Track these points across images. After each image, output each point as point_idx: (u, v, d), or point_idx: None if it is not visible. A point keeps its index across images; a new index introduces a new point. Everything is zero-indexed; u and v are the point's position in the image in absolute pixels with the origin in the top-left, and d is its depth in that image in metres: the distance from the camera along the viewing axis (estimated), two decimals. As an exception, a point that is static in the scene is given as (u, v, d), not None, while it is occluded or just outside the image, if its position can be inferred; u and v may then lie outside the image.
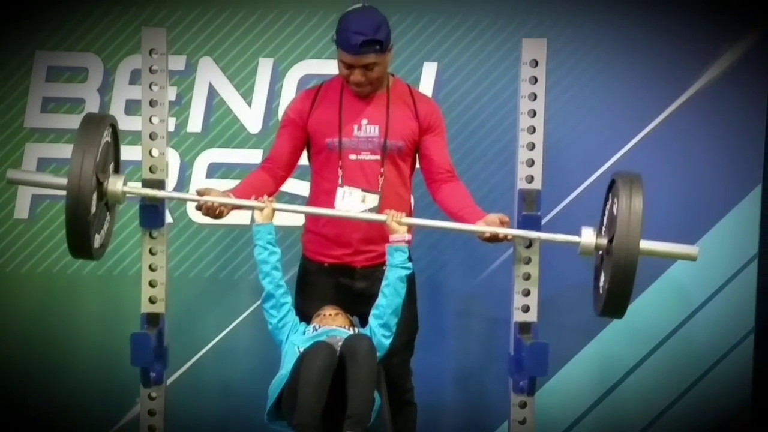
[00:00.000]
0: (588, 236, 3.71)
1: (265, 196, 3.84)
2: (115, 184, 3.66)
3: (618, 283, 3.54)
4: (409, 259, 3.86)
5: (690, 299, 4.89)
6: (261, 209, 3.80)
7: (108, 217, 3.77)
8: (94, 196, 3.53)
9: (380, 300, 3.79)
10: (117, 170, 3.81)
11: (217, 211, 3.82)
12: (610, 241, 3.61)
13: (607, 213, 3.76)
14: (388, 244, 3.80)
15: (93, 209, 3.51)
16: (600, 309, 3.70)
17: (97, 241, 3.64)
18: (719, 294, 4.88)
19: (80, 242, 3.53)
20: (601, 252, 3.73)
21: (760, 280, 4.86)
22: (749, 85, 4.76)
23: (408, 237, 3.82)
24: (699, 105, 4.77)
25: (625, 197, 3.54)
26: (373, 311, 3.80)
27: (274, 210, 3.81)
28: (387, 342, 3.78)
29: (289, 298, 3.83)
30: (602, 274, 3.72)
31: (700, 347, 4.90)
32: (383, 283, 3.79)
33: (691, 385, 4.92)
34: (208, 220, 3.89)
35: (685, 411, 4.92)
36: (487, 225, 3.80)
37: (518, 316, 3.97)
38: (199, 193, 3.87)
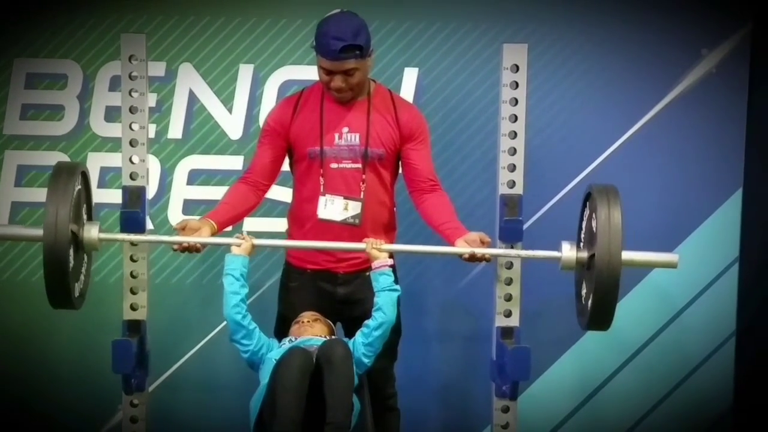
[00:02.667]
0: (568, 251, 3.70)
1: (245, 232, 3.82)
2: (90, 232, 3.63)
3: (602, 297, 3.52)
4: (395, 281, 3.83)
5: (671, 303, 4.90)
6: (239, 245, 3.77)
7: (85, 264, 3.74)
8: (71, 248, 3.49)
9: (371, 321, 3.76)
10: (90, 217, 3.77)
11: (193, 250, 3.80)
12: (591, 256, 3.59)
13: (585, 225, 3.73)
14: (371, 272, 3.79)
15: (71, 262, 3.50)
16: (585, 323, 3.68)
17: (77, 289, 3.62)
18: (700, 298, 4.90)
19: (60, 294, 3.50)
20: (582, 265, 3.70)
21: (741, 283, 4.88)
22: (729, 90, 4.77)
23: (390, 261, 3.80)
24: (679, 109, 4.78)
25: (603, 210, 3.52)
26: (362, 329, 3.77)
27: (253, 246, 3.79)
28: (367, 362, 3.75)
29: (255, 324, 3.76)
30: (584, 287, 3.70)
31: (682, 351, 4.92)
32: (374, 306, 3.76)
33: (672, 388, 4.94)
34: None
35: (666, 415, 4.94)
36: (468, 243, 3.80)
37: (500, 321, 3.97)
38: (178, 227, 3.85)
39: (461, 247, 3.80)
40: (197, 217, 3.99)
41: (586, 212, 3.73)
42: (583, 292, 3.70)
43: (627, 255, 3.54)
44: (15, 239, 3.83)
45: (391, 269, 3.79)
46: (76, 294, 3.61)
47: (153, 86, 4.62)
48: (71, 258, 3.49)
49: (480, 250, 3.77)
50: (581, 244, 3.75)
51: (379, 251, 3.77)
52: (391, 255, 3.84)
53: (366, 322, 3.77)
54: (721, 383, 4.93)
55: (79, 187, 3.58)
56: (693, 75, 4.79)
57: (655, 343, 4.91)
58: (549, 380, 4.89)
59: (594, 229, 3.56)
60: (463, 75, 4.74)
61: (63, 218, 3.43)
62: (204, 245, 3.83)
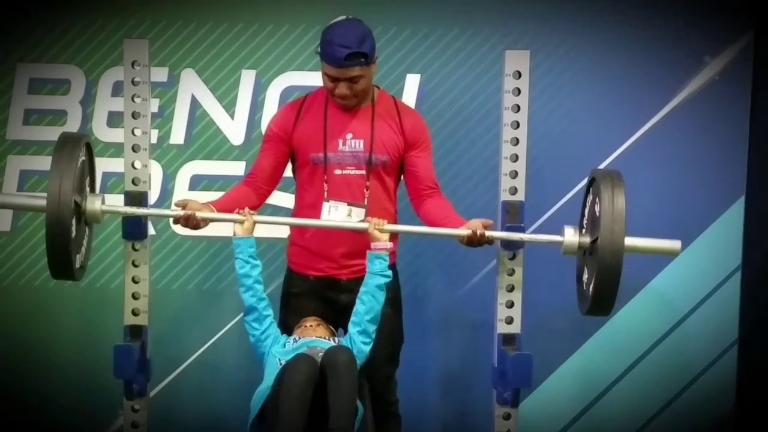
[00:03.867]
0: (570, 235, 3.72)
1: (246, 209, 3.82)
2: (94, 204, 3.66)
3: (604, 281, 3.53)
4: (391, 267, 3.84)
5: (674, 310, 4.89)
6: (241, 222, 3.79)
7: (87, 236, 3.76)
8: (74, 219, 3.52)
9: (358, 307, 3.79)
10: (93, 189, 3.80)
11: (194, 222, 3.80)
12: (594, 240, 3.60)
13: (588, 211, 3.75)
14: (369, 251, 3.79)
15: (73, 231, 3.52)
16: (586, 308, 3.69)
17: (78, 261, 3.64)
18: (703, 305, 4.89)
19: (62, 264, 3.53)
20: (584, 250, 3.72)
21: (743, 291, 4.87)
22: (732, 97, 4.77)
23: (390, 245, 3.81)
24: (682, 116, 4.78)
25: (607, 195, 3.53)
26: (352, 319, 3.80)
27: (254, 223, 3.80)
28: (367, 349, 3.78)
29: (272, 311, 3.82)
30: (585, 273, 3.71)
31: (684, 358, 4.91)
32: (361, 289, 3.79)
33: (675, 395, 4.93)
34: (191, 231, 3.88)
35: (669, 421, 4.93)
36: (469, 228, 3.79)
37: (502, 328, 3.97)
38: (178, 204, 3.86)
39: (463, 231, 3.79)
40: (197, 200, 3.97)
41: (590, 198, 3.73)
42: (585, 277, 3.71)
43: (630, 241, 3.56)
44: (18, 208, 3.83)
45: (388, 254, 3.80)
46: (77, 265, 3.63)
47: (155, 92, 4.64)
48: (73, 228, 3.51)
49: (482, 230, 3.76)
50: (584, 229, 3.75)
51: (381, 231, 3.78)
52: (395, 242, 3.86)
53: (355, 309, 3.80)
54: (723, 391, 4.92)
55: (83, 158, 3.60)
56: (696, 82, 4.78)
57: (657, 351, 4.90)
58: (550, 387, 4.89)
59: (597, 213, 3.57)
60: (465, 81, 4.74)
61: (66, 188, 3.45)
62: (206, 221, 3.82)
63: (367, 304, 3.77)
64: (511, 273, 3.95)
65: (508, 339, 3.97)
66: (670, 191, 4.82)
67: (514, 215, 3.90)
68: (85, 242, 3.73)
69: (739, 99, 4.78)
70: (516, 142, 3.90)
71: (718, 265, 4.88)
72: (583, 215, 3.79)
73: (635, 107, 4.78)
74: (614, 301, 3.58)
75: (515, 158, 3.90)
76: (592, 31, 4.75)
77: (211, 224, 3.86)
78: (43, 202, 3.48)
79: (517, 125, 3.90)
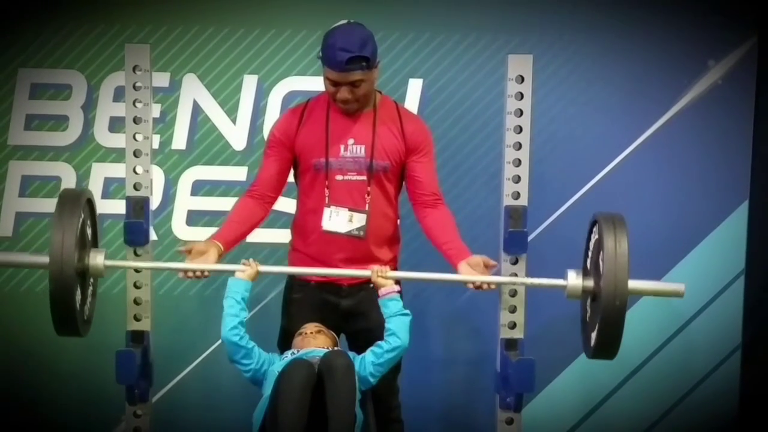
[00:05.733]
0: (574, 279, 3.65)
1: (251, 260, 3.80)
2: (96, 259, 3.64)
3: (608, 329, 3.47)
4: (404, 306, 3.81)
5: (676, 316, 4.88)
6: (244, 271, 3.77)
7: (91, 290, 3.75)
8: (77, 276, 3.50)
9: (384, 344, 3.74)
10: (96, 244, 3.78)
11: (198, 274, 3.79)
12: (597, 283, 3.55)
13: (591, 253, 3.68)
14: (379, 299, 3.78)
15: (78, 289, 3.52)
16: (591, 353, 3.64)
17: (85, 313, 3.64)
18: (706, 310, 4.88)
19: (67, 323, 3.52)
20: (588, 294, 3.66)
21: (747, 296, 4.86)
22: (736, 101, 4.76)
23: (397, 288, 3.80)
24: (686, 120, 4.77)
25: (610, 242, 3.46)
26: (374, 348, 3.76)
27: (258, 272, 3.78)
28: (373, 381, 3.75)
29: (253, 342, 3.75)
30: (589, 316, 3.66)
31: (687, 364, 4.90)
32: (386, 331, 3.75)
33: (677, 402, 4.92)
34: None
35: (672, 427, 4.92)
36: (471, 266, 3.78)
37: (505, 333, 3.96)
38: (183, 251, 3.86)
39: (465, 273, 3.78)
40: (202, 240, 3.94)
41: (592, 240, 3.67)
42: (588, 319, 3.67)
43: (634, 284, 3.48)
44: (20, 266, 3.81)
45: (399, 295, 3.79)
46: (84, 319, 3.63)
47: (157, 97, 4.63)
48: (78, 287, 3.51)
49: (484, 278, 3.75)
50: (587, 269, 3.70)
51: (385, 279, 3.77)
52: (398, 282, 3.84)
53: (379, 342, 3.76)
54: (727, 397, 4.91)
55: (83, 216, 3.58)
56: (699, 86, 4.78)
57: (660, 356, 4.89)
58: (553, 393, 4.88)
59: (600, 259, 3.52)
60: (468, 86, 4.73)
61: (69, 247, 3.44)
62: (210, 271, 3.82)
63: (393, 344, 3.73)
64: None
65: (510, 344, 3.96)
66: (674, 195, 4.81)
67: (517, 220, 3.90)
68: (89, 295, 3.72)
69: (743, 103, 4.77)
70: (519, 146, 3.89)
71: (722, 269, 4.88)
72: (586, 257, 3.73)
73: (639, 111, 4.77)
74: (619, 346, 3.52)
75: (518, 163, 3.90)
76: (595, 35, 4.75)
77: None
78: (45, 260, 3.47)
79: (519, 130, 3.89)
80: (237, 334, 3.70)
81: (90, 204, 3.69)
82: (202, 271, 3.79)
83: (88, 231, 3.68)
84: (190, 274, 3.78)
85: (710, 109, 4.78)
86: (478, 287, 3.77)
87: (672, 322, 4.87)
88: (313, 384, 3.47)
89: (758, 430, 4.96)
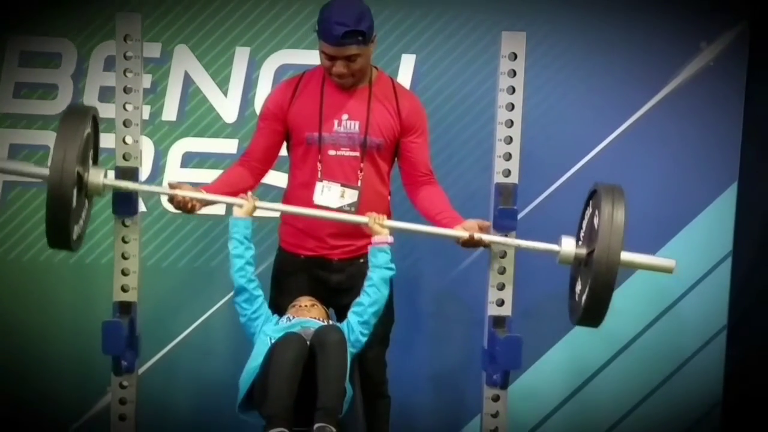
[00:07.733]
0: (568, 246, 3.68)
1: (249, 193, 3.79)
2: (96, 176, 3.63)
3: (597, 295, 3.49)
4: (392, 260, 3.82)
5: (663, 296, 4.90)
6: (241, 206, 3.76)
7: (86, 208, 3.73)
8: (75, 190, 3.49)
9: (362, 298, 3.76)
10: (96, 161, 3.77)
11: (190, 205, 3.80)
12: (590, 253, 3.57)
13: (586, 222, 3.71)
14: (370, 246, 3.77)
15: (74, 203, 3.49)
16: (577, 319, 3.66)
17: (76, 232, 3.61)
18: (693, 291, 4.90)
19: (60, 234, 3.49)
20: (579, 261, 3.69)
21: (733, 277, 4.88)
22: (726, 83, 4.77)
23: (390, 239, 3.79)
24: (676, 102, 4.78)
25: (608, 209, 3.48)
26: (354, 308, 3.77)
27: (255, 207, 3.77)
28: (364, 339, 3.75)
29: (262, 292, 3.80)
30: (578, 283, 3.69)
31: (673, 344, 4.92)
32: (366, 282, 3.76)
33: (663, 381, 4.94)
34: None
35: (656, 406, 4.94)
36: (466, 230, 3.78)
37: (492, 310, 3.96)
38: (172, 186, 3.84)
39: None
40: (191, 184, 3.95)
41: (589, 209, 3.70)
42: (578, 288, 3.69)
43: (626, 256, 3.51)
44: (20, 175, 3.78)
45: (390, 247, 3.78)
46: (75, 236, 3.60)
47: (148, 67, 4.61)
48: (74, 200, 3.49)
49: (478, 234, 3.76)
50: (581, 239, 3.73)
51: (381, 227, 3.76)
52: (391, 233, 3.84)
53: (357, 300, 3.77)
54: (712, 376, 4.94)
55: (89, 130, 3.58)
56: (691, 68, 4.78)
57: (647, 336, 4.91)
58: (540, 370, 4.89)
59: (595, 226, 3.54)
60: (461, 63, 4.72)
61: (70, 159, 3.42)
62: (200, 205, 3.82)
63: (372, 296, 3.74)
64: (503, 255, 3.94)
65: (498, 321, 3.96)
66: (663, 176, 4.82)
67: (507, 197, 3.89)
68: (84, 214, 3.70)
69: (734, 85, 4.77)
70: (510, 124, 3.88)
71: (709, 251, 4.89)
72: (581, 226, 3.75)
73: (631, 91, 4.77)
74: (605, 313, 3.54)
75: (509, 140, 3.89)
76: (588, 14, 4.74)
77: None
78: (45, 171, 3.45)
79: (512, 107, 3.88)
80: (243, 276, 3.72)
81: (95, 121, 3.69)
82: (194, 204, 3.79)
83: (91, 148, 3.67)
84: (181, 200, 3.77)
85: (701, 90, 4.78)
86: (469, 243, 3.76)
87: (659, 301, 4.89)
88: (305, 358, 3.48)
89: (742, 409, 4.98)
